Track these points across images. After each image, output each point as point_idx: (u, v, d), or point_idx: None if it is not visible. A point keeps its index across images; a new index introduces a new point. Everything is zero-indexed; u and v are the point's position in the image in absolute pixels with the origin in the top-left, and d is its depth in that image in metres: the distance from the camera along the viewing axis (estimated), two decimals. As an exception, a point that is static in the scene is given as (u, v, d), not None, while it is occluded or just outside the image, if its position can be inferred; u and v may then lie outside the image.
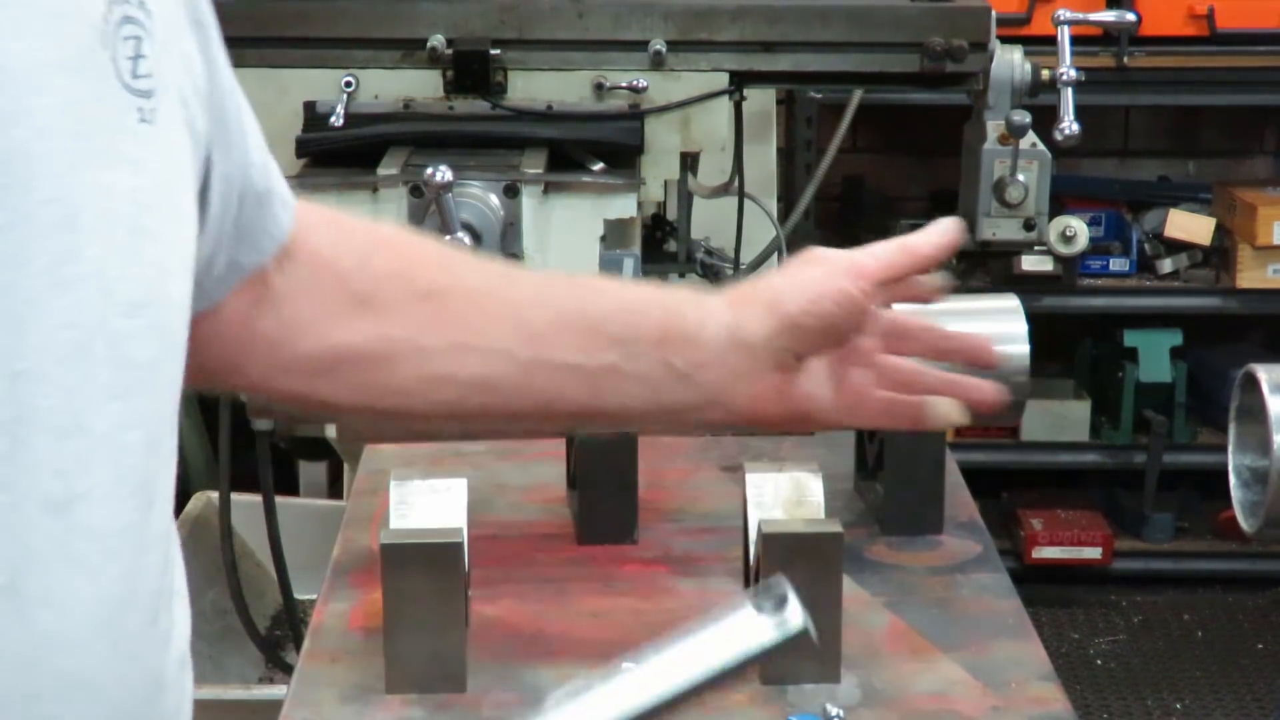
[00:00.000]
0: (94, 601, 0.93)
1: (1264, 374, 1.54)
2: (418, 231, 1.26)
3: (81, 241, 0.91)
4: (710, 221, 3.08)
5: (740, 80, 2.64)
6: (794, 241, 3.87)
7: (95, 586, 0.93)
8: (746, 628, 0.95)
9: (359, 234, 1.26)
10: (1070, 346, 4.64)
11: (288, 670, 2.99)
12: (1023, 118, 2.65)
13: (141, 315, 0.95)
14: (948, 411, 1.33)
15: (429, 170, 2.33)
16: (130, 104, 0.94)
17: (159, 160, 0.96)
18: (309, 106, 2.57)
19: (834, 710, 1.42)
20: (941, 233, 1.32)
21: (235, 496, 2.90)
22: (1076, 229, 2.75)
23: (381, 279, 1.23)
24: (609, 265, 2.55)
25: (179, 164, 1.00)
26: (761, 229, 3.13)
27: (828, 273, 1.29)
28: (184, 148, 1.00)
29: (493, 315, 1.24)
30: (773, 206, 3.28)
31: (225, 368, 1.21)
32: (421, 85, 2.60)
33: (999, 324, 1.77)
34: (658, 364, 1.26)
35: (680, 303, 1.29)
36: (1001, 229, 2.72)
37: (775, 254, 3.18)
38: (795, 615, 0.95)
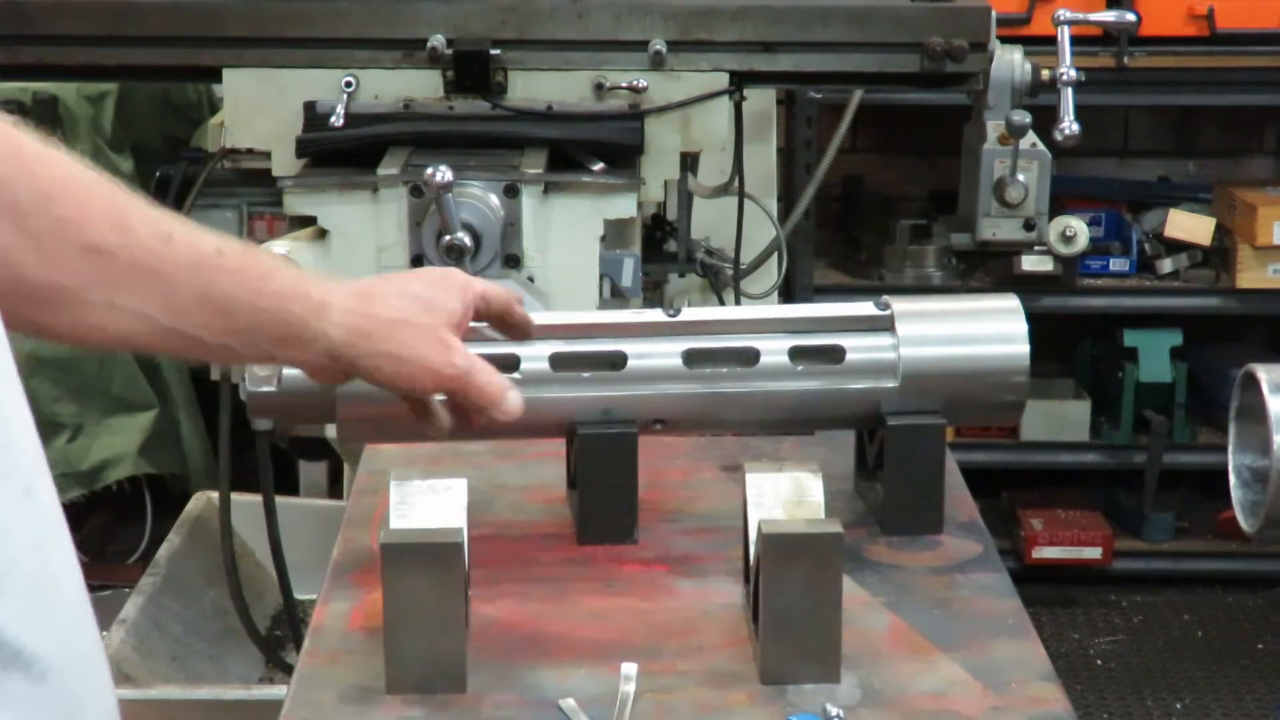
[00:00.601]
0: (74, 573, 0.99)
1: (1264, 374, 1.54)
2: (94, 170, 1.29)
3: None
4: (710, 221, 3.08)
5: (740, 80, 2.64)
6: (794, 241, 3.88)
7: (67, 559, 0.98)
8: None
9: (39, 168, 1.25)
10: (1070, 346, 4.64)
11: (288, 670, 2.99)
12: (1023, 118, 2.65)
13: None
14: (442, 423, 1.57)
15: (429, 170, 2.33)
16: None
17: None
18: (309, 106, 2.57)
19: (834, 710, 1.42)
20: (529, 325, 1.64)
21: (235, 496, 2.90)
22: (1076, 229, 2.75)
23: (55, 223, 1.25)
24: (609, 265, 2.55)
25: None
26: (761, 229, 3.13)
27: (429, 341, 1.50)
28: None
29: (148, 282, 1.34)
30: (773, 206, 3.27)
31: None
32: (421, 85, 2.60)
33: (999, 324, 1.77)
34: (265, 355, 1.49)
35: (307, 311, 1.46)
36: (1001, 229, 2.72)
37: (775, 254, 3.18)
38: None
